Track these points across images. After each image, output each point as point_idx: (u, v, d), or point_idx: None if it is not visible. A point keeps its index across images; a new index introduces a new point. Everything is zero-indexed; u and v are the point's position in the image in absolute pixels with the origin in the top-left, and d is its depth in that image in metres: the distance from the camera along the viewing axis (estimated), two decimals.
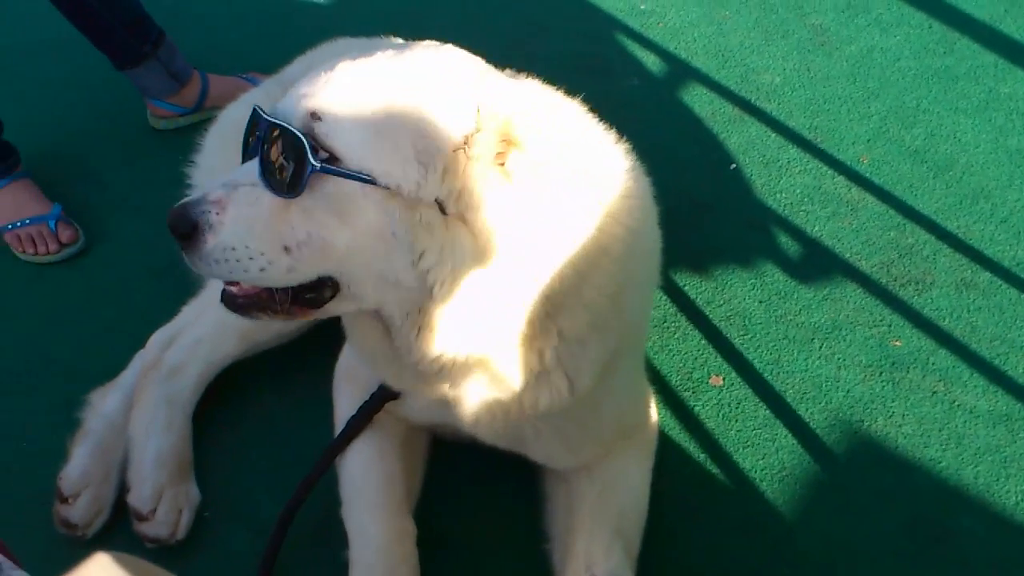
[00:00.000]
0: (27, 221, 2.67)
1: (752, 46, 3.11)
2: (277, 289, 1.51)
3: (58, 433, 2.21)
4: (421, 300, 1.48)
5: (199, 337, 2.25)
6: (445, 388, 1.67)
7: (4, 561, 1.20)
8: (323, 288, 1.51)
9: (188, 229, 1.43)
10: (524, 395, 1.69)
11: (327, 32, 2.41)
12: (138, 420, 2.18)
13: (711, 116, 2.90)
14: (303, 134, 1.39)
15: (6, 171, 2.70)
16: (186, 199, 1.47)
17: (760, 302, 2.44)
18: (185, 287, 2.37)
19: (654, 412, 2.06)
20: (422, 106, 1.42)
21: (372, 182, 1.39)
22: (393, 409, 2.00)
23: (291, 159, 1.40)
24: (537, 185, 1.45)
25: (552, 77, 1.92)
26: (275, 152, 1.41)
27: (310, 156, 1.38)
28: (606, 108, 2.04)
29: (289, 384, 2.34)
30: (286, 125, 1.40)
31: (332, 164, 1.39)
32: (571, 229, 1.53)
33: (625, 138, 2.01)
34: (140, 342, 2.30)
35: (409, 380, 1.70)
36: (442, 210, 1.42)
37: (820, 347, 2.35)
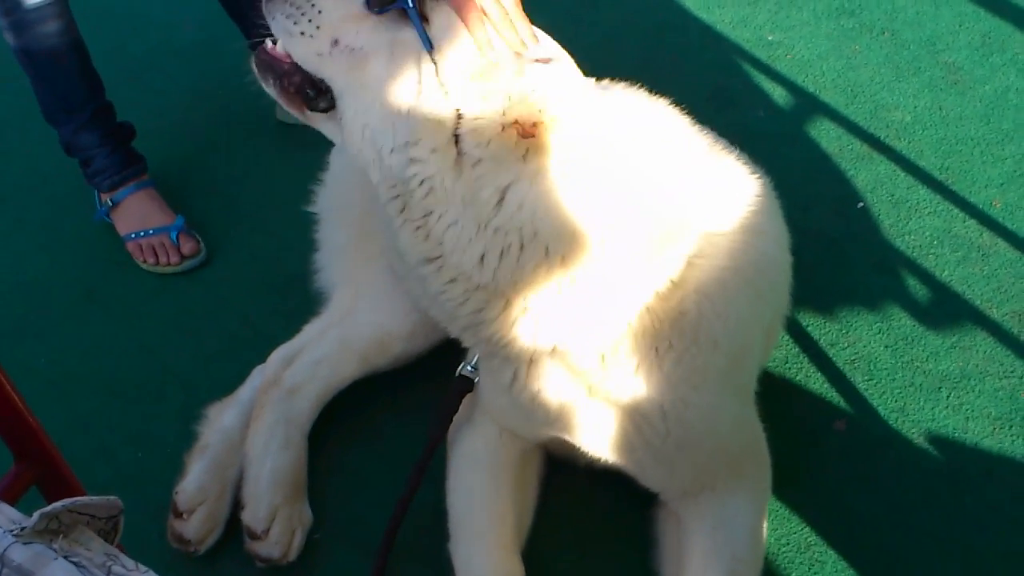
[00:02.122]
0: (150, 231, 2.74)
1: (882, 82, 3.06)
2: (291, 75, 1.69)
3: (175, 446, 2.27)
4: (402, 192, 1.59)
5: (320, 357, 2.28)
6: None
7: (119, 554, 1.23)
8: (320, 97, 1.68)
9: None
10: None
11: None
12: (256, 438, 2.22)
13: (839, 152, 2.86)
14: None
15: (132, 178, 2.78)
16: None
17: (886, 347, 2.39)
18: (306, 305, 2.42)
19: (766, 450, 2.01)
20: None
21: (429, 49, 1.53)
22: (503, 423, 2.03)
23: None
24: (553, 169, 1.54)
25: (677, 106, 1.95)
26: None
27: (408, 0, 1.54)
28: (732, 139, 2.08)
29: (403, 406, 2.36)
30: None
31: (421, 20, 1.54)
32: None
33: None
34: (259, 357, 2.35)
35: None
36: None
37: (948, 396, 2.29)
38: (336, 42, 1.63)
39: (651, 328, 1.72)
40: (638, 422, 1.81)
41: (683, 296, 1.71)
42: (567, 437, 1.91)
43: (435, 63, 1.55)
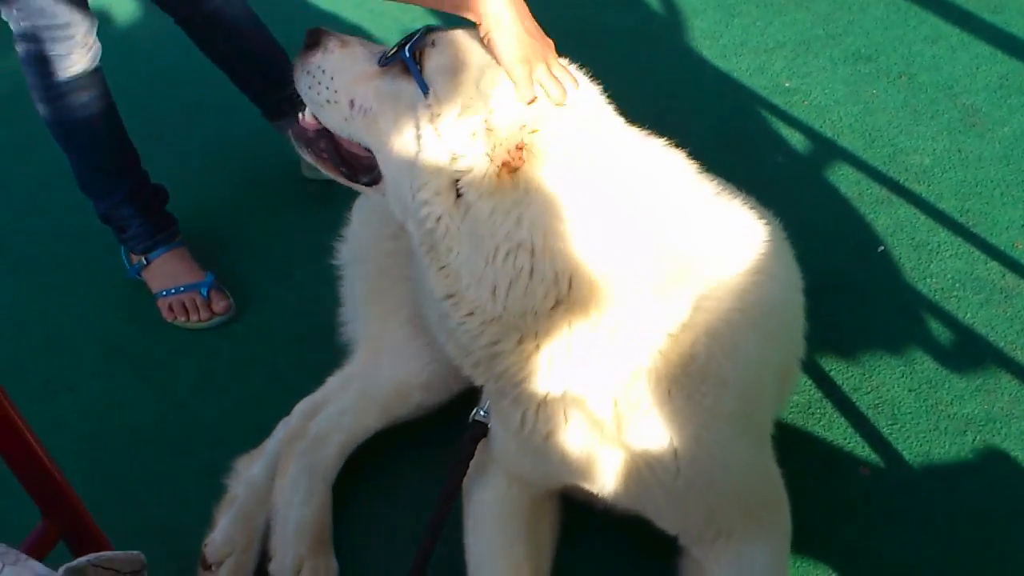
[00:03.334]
0: (181, 288, 2.77)
1: (900, 126, 3.06)
2: (327, 142, 1.82)
3: (202, 499, 2.28)
4: (426, 236, 1.66)
5: (343, 408, 2.29)
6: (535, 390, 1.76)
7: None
8: (362, 172, 1.80)
9: (314, 41, 1.77)
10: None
11: None
12: (281, 489, 2.24)
13: (858, 196, 2.85)
14: (416, 44, 1.66)
15: (166, 240, 2.81)
16: (330, 32, 1.79)
17: (910, 391, 2.37)
18: (332, 357, 2.43)
19: (784, 496, 1.98)
20: (498, 83, 1.61)
21: (425, 92, 1.61)
22: (515, 471, 2.02)
23: (397, 49, 1.67)
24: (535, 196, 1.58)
25: (695, 153, 1.95)
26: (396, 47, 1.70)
27: (406, 50, 1.65)
28: (750, 185, 2.08)
29: (424, 454, 2.36)
30: (415, 32, 1.68)
31: (419, 71, 1.64)
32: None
33: (771, 215, 2.05)
34: (285, 409, 2.36)
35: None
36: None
37: (973, 440, 2.27)
38: (352, 103, 1.73)
39: (663, 370, 1.73)
40: (650, 462, 1.81)
41: (694, 338, 1.72)
42: (579, 481, 1.91)
43: (430, 107, 1.62)
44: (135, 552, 1.32)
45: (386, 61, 1.70)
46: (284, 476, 2.24)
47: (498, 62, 1.61)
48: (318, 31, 1.79)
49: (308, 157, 1.86)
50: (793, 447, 2.26)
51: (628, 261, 1.63)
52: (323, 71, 1.76)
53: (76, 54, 2.50)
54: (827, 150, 3.02)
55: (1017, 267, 2.62)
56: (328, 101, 1.76)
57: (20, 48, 2.51)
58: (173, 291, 2.77)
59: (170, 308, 2.78)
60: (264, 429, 2.37)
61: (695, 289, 1.72)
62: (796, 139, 3.07)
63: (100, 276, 2.94)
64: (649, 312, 1.68)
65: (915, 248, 2.69)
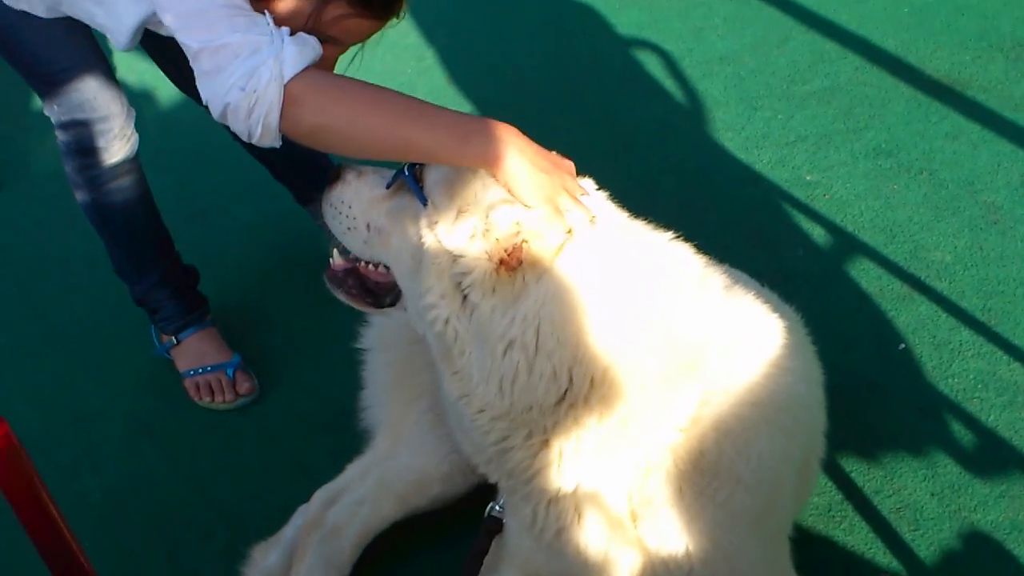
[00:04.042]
0: (208, 368, 2.72)
1: (921, 222, 2.97)
2: (354, 278, 1.89)
3: None
4: (437, 346, 1.70)
5: (361, 498, 2.22)
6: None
7: None
8: (386, 294, 1.85)
9: (335, 176, 1.87)
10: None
11: None
12: None
13: (879, 292, 2.77)
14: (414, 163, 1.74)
15: (196, 321, 2.77)
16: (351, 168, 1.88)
17: (932, 495, 2.26)
18: (354, 442, 2.37)
19: None
20: (491, 187, 1.64)
21: (424, 203, 1.67)
22: (528, 570, 1.94)
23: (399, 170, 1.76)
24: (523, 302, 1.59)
25: (716, 246, 1.93)
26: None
27: (405, 170, 1.73)
28: (771, 279, 2.04)
29: (442, 547, 2.27)
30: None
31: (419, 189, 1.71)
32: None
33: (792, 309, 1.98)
34: (305, 495, 2.29)
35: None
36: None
37: (997, 549, 2.15)
38: (368, 226, 1.81)
39: (673, 466, 1.69)
40: (664, 561, 1.74)
41: (702, 434, 1.67)
42: None
43: (430, 216, 1.67)
44: None
45: (392, 183, 1.77)
46: (300, 567, 2.16)
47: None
48: (339, 168, 1.87)
49: (340, 296, 1.93)
50: (813, 550, 2.17)
51: (631, 355, 1.60)
52: (342, 202, 1.84)
53: (115, 146, 2.48)
54: (848, 245, 2.94)
55: None
56: (349, 228, 1.84)
57: (60, 137, 2.50)
58: (200, 371, 2.72)
59: (196, 388, 2.72)
60: (284, 513, 2.30)
61: (703, 383, 1.67)
62: (817, 233, 2.99)
63: (132, 354, 2.90)
64: (657, 407, 1.64)
65: (936, 347, 2.60)
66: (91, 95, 2.40)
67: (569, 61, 3.88)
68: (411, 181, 1.71)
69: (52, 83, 2.38)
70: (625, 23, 4.02)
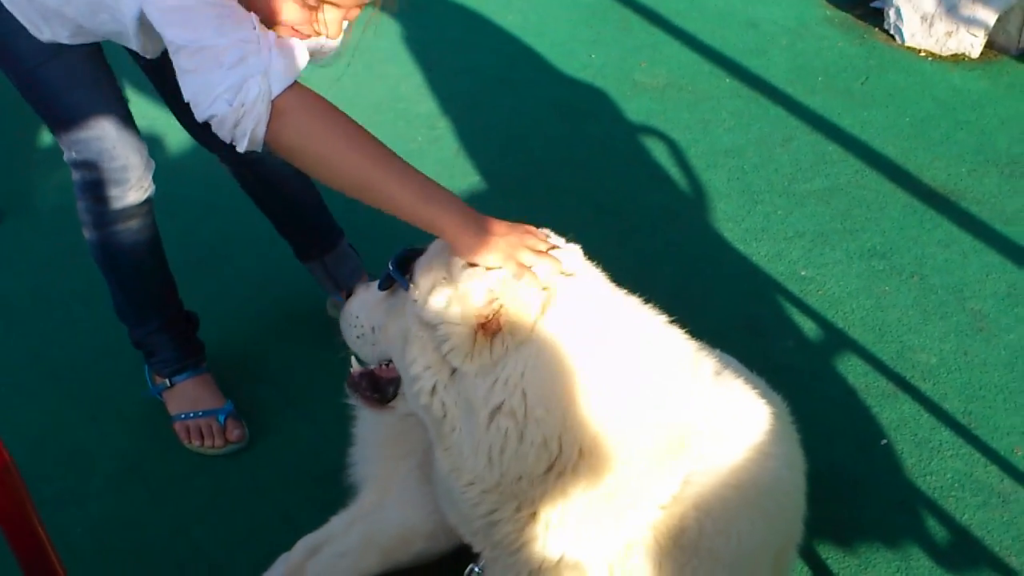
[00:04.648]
0: (199, 413, 2.79)
1: (910, 324, 3.09)
2: (368, 379, 1.97)
3: None
4: (428, 421, 1.79)
5: (344, 551, 2.26)
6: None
7: None
8: (391, 385, 1.91)
9: (348, 294, 2.01)
10: None
11: None
12: None
13: (864, 388, 2.87)
14: (399, 258, 1.84)
15: (192, 366, 2.84)
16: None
17: None
18: (339, 497, 2.42)
19: None
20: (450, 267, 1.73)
21: (406, 287, 1.77)
22: None
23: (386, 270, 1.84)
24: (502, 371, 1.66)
25: (710, 332, 2.04)
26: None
27: (390, 264, 1.82)
28: (760, 368, 2.12)
29: None
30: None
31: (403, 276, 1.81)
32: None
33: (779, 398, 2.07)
34: (287, 544, 2.33)
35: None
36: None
37: None
38: (373, 329, 1.93)
39: (654, 542, 1.74)
40: None
41: (683, 512, 1.73)
42: None
43: (411, 294, 1.77)
44: None
45: (382, 282, 1.87)
46: None
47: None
48: (352, 287, 2.04)
49: (355, 401, 2.03)
50: None
51: (619, 427, 1.66)
52: (353, 314, 1.97)
53: (130, 195, 2.52)
54: (838, 340, 3.05)
55: (1016, 473, 2.61)
56: (358, 336, 1.96)
57: (74, 176, 2.54)
58: (191, 415, 2.79)
59: (187, 431, 2.79)
60: (266, 560, 2.34)
61: (687, 463, 1.74)
62: (808, 327, 3.11)
63: (125, 394, 2.96)
64: (641, 482, 1.70)
65: (917, 445, 2.70)
66: (111, 144, 2.43)
67: (578, 143, 4.03)
68: (395, 271, 1.81)
69: (71, 128, 2.42)
70: (635, 110, 4.18)
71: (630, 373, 1.69)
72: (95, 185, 2.50)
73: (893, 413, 2.80)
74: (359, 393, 1.98)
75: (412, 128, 4.09)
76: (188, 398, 2.82)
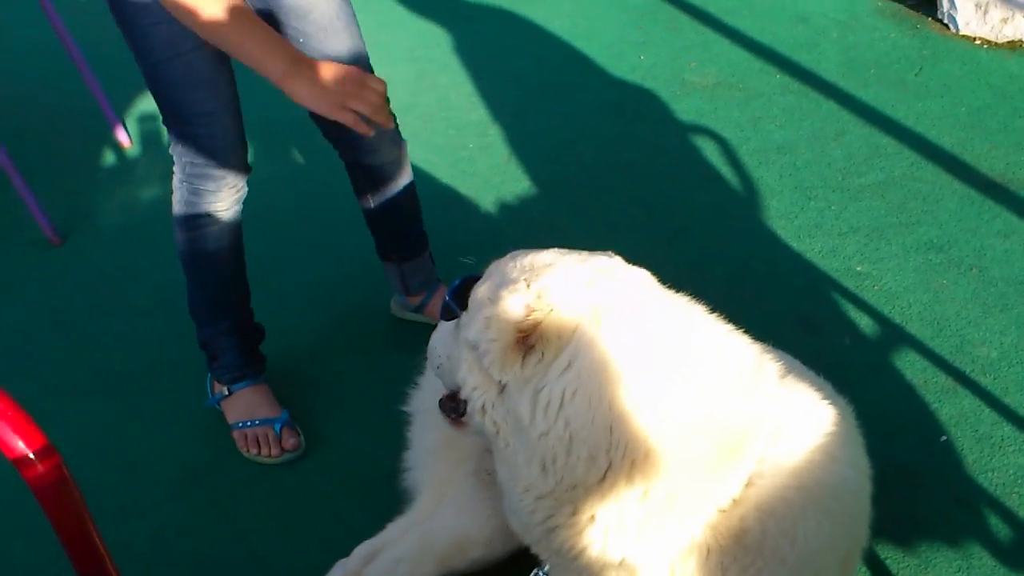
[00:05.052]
0: (256, 422, 2.86)
1: (969, 317, 3.07)
2: (451, 401, 1.93)
3: None
4: (488, 437, 1.83)
5: (400, 556, 2.31)
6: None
7: None
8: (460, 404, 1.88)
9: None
10: None
11: None
12: None
13: (923, 384, 2.85)
14: (455, 290, 1.90)
15: (252, 375, 2.92)
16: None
17: None
18: (395, 503, 2.47)
19: None
20: (505, 282, 1.75)
21: (458, 314, 1.86)
22: None
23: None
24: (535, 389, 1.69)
25: (764, 331, 2.05)
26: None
27: (447, 295, 1.91)
28: (816, 366, 2.11)
29: None
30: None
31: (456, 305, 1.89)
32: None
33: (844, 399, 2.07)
34: (344, 550, 2.39)
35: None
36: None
37: None
38: (449, 357, 1.93)
39: (715, 544, 1.76)
40: None
41: (743, 514, 1.74)
42: None
43: (463, 321, 1.84)
44: None
45: (444, 313, 1.94)
46: None
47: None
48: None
49: (449, 425, 1.99)
50: None
51: (673, 437, 1.67)
52: (433, 347, 2.00)
53: (225, 193, 2.67)
54: (895, 336, 3.03)
55: None
56: (438, 367, 1.98)
57: (176, 168, 2.68)
58: (249, 424, 2.87)
59: (244, 439, 2.86)
60: (323, 567, 2.40)
61: (748, 466, 1.75)
62: (864, 323, 3.09)
63: (184, 405, 3.04)
64: (700, 487, 1.71)
65: (978, 440, 2.67)
66: (216, 144, 2.58)
67: (628, 145, 4.05)
68: (450, 301, 1.90)
69: (182, 123, 2.57)
70: (684, 110, 4.19)
71: (681, 379, 1.69)
72: (193, 179, 2.65)
73: (953, 408, 2.77)
74: (445, 414, 1.97)
75: (463, 136, 4.13)
76: (246, 407, 2.89)
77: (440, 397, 1.99)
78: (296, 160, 4.09)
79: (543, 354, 1.67)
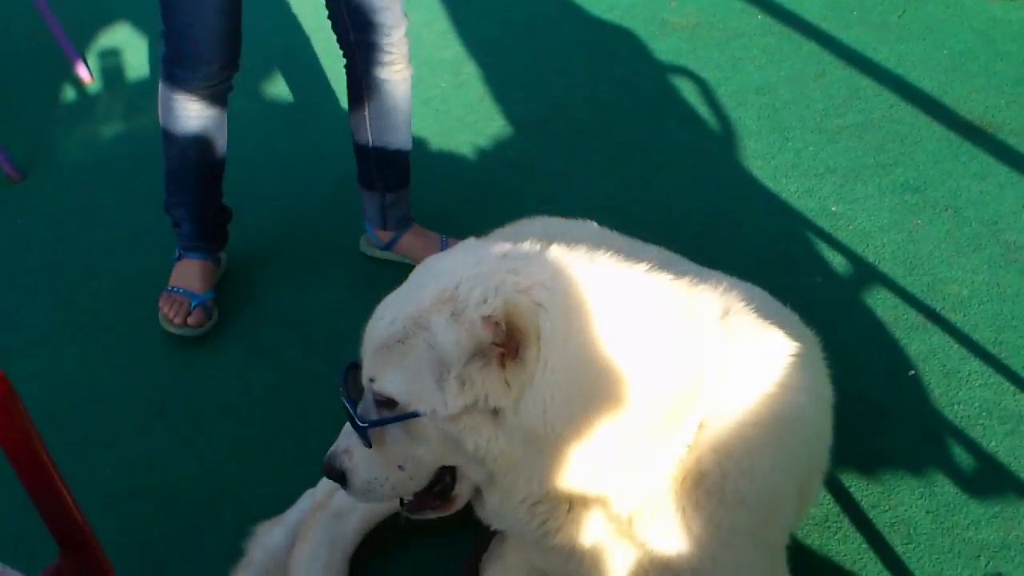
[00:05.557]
0: (180, 291, 3.13)
1: (942, 256, 3.15)
2: (424, 496, 1.89)
3: (224, 562, 2.39)
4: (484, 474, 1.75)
5: None
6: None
7: None
8: (443, 479, 1.85)
9: (338, 476, 1.89)
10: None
11: (532, 210, 2.58)
12: (300, 556, 2.34)
13: (893, 321, 2.94)
14: (376, 399, 1.79)
15: (204, 250, 3.20)
16: (329, 451, 1.91)
17: (928, 512, 2.42)
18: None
19: None
20: (426, 339, 1.67)
21: (415, 414, 1.70)
22: (533, 562, 2.08)
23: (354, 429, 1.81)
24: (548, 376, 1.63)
25: (738, 269, 2.16)
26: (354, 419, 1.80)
27: (357, 421, 1.78)
28: (786, 304, 2.18)
29: (447, 532, 2.40)
30: (345, 405, 1.84)
31: (390, 409, 1.75)
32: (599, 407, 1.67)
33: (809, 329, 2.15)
34: (311, 481, 2.46)
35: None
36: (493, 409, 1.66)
37: (986, 564, 2.31)
38: (400, 467, 1.84)
39: (674, 490, 1.79)
40: (662, 569, 1.85)
41: (699, 456, 1.78)
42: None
43: (428, 413, 1.72)
44: None
45: (361, 435, 1.80)
46: (304, 544, 2.34)
47: None
48: (328, 467, 1.93)
49: (428, 516, 1.95)
50: (807, 559, 2.34)
51: (623, 396, 1.67)
52: (366, 480, 1.87)
53: (196, 84, 2.89)
54: (867, 275, 3.12)
55: None
56: (392, 487, 1.86)
57: (164, 50, 2.89)
58: (174, 290, 3.14)
59: (163, 299, 3.13)
60: (290, 497, 2.48)
61: (699, 409, 1.77)
62: (837, 262, 3.17)
63: (149, 340, 3.12)
64: (660, 436, 1.74)
65: (945, 375, 2.76)
66: (198, 35, 2.78)
67: (605, 85, 4.10)
68: (377, 421, 1.78)
69: (175, 12, 2.75)
70: (663, 50, 4.25)
71: (633, 346, 1.69)
72: (170, 64, 2.90)
73: (922, 345, 2.86)
74: (428, 507, 1.92)
75: (436, 75, 4.18)
76: (183, 274, 3.17)
77: (403, 504, 1.94)
78: (266, 96, 4.14)
79: (522, 356, 1.62)
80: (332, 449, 1.90)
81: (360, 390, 1.87)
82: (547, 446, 1.66)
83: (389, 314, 1.74)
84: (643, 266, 1.81)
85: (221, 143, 3.09)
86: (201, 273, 3.17)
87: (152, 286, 3.17)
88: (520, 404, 1.64)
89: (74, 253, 3.48)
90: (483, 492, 1.82)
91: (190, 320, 3.08)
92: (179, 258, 3.19)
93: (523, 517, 1.79)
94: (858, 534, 2.39)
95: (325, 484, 2.45)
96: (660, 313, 1.75)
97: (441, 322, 1.66)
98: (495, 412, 1.66)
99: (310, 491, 2.47)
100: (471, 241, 1.94)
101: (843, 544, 2.37)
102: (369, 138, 3.12)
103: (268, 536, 2.41)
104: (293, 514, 2.45)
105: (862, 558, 2.34)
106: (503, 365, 1.63)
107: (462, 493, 1.86)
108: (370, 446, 1.78)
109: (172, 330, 3.08)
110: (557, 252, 1.76)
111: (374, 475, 1.84)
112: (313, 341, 3.06)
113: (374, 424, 1.76)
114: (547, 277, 1.68)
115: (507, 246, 1.79)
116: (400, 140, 3.13)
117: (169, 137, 3.03)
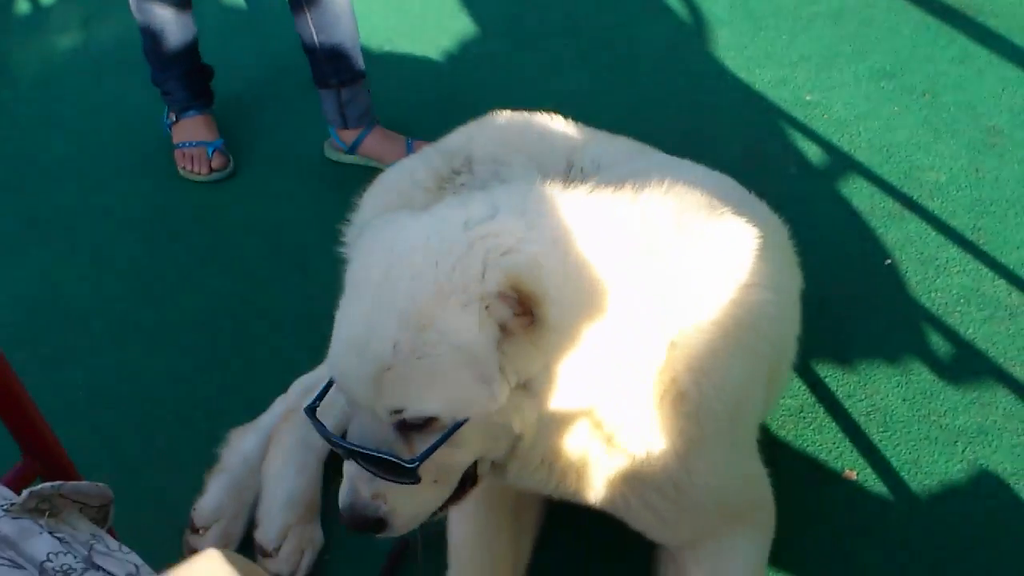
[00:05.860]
0: (194, 143, 3.33)
1: (919, 143, 3.14)
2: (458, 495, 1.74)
3: (198, 468, 2.39)
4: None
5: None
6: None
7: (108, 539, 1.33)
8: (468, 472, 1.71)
9: (376, 526, 1.65)
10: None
11: (498, 107, 2.51)
12: (273, 461, 2.36)
13: (870, 210, 2.94)
14: (401, 424, 1.57)
15: (199, 106, 3.38)
16: (348, 504, 1.65)
17: (904, 400, 2.44)
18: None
19: (770, 496, 2.03)
20: (447, 343, 1.52)
21: (461, 423, 1.54)
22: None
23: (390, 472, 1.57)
24: (571, 331, 1.57)
25: (710, 162, 2.17)
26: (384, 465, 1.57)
27: (401, 462, 1.53)
28: (760, 195, 2.16)
29: None
30: (357, 450, 1.57)
31: (427, 429, 1.56)
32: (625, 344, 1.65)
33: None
34: (284, 387, 2.49)
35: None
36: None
37: (963, 451, 2.34)
38: (436, 481, 1.70)
39: (654, 405, 1.77)
40: (647, 495, 1.85)
41: (674, 376, 1.75)
42: (574, 499, 1.92)
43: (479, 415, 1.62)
44: (102, 484, 1.39)
45: (415, 461, 1.56)
46: (277, 448, 2.36)
47: None
48: (360, 521, 1.67)
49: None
50: (782, 449, 2.36)
51: (598, 333, 1.63)
52: (414, 516, 1.71)
53: None
54: (842, 164, 3.10)
55: None
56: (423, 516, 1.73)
57: None
58: (188, 144, 3.34)
59: (183, 157, 3.33)
60: (262, 404, 2.49)
61: (674, 325, 1.73)
62: (812, 152, 3.16)
63: (115, 251, 3.10)
64: (638, 352, 1.70)
65: (922, 263, 2.77)
66: None
67: None
68: (423, 456, 1.56)
69: None
70: None
71: (611, 266, 1.64)
72: None
73: (899, 233, 2.86)
74: (454, 503, 1.77)
75: None
76: (188, 130, 3.36)
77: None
78: (223, 1, 4.08)
79: (539, 315, 1.54)
80: (350, 500, 1.66)
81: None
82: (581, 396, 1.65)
83: (379, 337, 1.54)
84: (585, 188, 1.74)
85: (191, 15, 3.23)
86: (205, 124, 3.37)
87: (116, 195, 3.14)
88: (550, 362, 1.58)
89: (34, 165, 3.44)
90: (501, 465, 1.75)
91: (214, 164, 3.30)
92: (176, 121, 3.38)
93: (542, 478, 1.79)
94: (833, 423, 2.41)
95: (296, 388, 2.47)
96: (619, 229, 1.70)
97: (453, 319, 1.52)
98: (526, 384, 1.58)
99: (282, 397, 2.49)
100: (395, 231, 1.72)
101: (818, 434, 2.39)
102: (312, 32, 3.11)
103: (242, 442, 2.42)
104: (266, 419, 2.46)
105: (838, 447, 2.37)
106: (525, 332, 1.54)
107: (483, 474, 1.75)
108: (419, 481, 1.58)
109: (202, 180, 3.30)
110: (503, 196, 1.67)
111: (420, 509, 1.69)
112: (280, 250, 3.05)
113: (426, 456, 1.55)
114: (520, 228, 1.59)
115: (450, 212, 1.66)
116: (343, 30, 3.12)
117: (146, 22, 3.17)
